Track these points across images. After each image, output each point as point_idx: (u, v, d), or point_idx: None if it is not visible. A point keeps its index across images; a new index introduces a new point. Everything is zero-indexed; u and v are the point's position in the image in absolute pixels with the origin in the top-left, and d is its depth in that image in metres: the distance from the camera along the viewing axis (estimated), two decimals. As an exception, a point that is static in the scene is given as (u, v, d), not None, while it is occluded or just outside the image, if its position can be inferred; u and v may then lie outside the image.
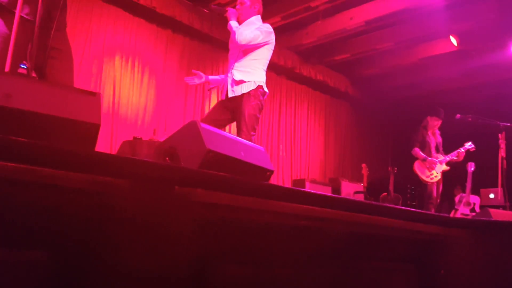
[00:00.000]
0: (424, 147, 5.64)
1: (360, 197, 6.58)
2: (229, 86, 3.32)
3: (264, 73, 3.37)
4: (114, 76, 5.87)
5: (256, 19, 3.44)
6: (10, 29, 2.06)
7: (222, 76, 3.60)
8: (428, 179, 5.51)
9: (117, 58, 5.93)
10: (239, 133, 3.18)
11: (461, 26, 6.29)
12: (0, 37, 2.12)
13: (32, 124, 1.24)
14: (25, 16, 2.08)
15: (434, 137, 5.73)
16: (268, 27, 3.37)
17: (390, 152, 8.79)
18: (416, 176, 5.57)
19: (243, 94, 3.24)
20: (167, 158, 1.83)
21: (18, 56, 2.09)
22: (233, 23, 3.33)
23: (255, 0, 3.45)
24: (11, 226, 0.89)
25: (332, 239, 1.54)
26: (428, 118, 5.73)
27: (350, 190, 6.80)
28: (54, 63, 2.24)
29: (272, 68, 7.67)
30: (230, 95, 3.30)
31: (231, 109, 3.33)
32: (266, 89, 3.35)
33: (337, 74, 8.38)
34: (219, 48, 7.01)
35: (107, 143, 5.62)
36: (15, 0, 2.04)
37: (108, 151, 5.49)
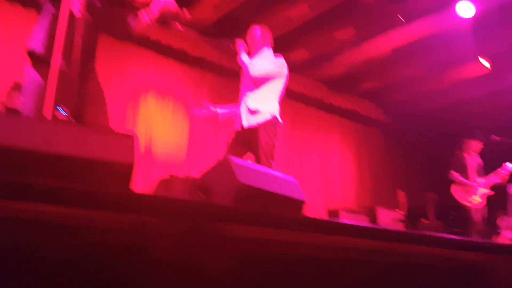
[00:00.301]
0: (463, 170, 5.47)
1: (399, 226, 6.37)
2: (243, 116, 3.32)
3: (277, 104, 3.37)
4: (148, 116, 6.06)
5: (268, 51, 3.47)
6: (45, 79, 2.18)
7: (232, 107, 3.61)
8: (468, 204, 5.31)
9: (150, 98, 6.14)
10: (257, 163, 3.15)
11: (490, 48, 6.19)
12: (39, 87, 2.25)
13: (71, 167, 1.30)
14: (60, 66, 2.20)
15: (473, 160, 5.56)
16: (281, 60, 3.41)
17: (428, 178, 8.53)
18: (456, 200, 5.38)
19: (258, 124, 3.23)
20: (201, 194, 1.86)
21: (56, 104, 2.21)
22: (244, 57, 3.35)
23: (265, 32, 3.49)
24: (51, 269, 0.92)
25: (370, 271, 1.50)
26: (467, 141, 5.59)
27: (388, 218, 6.60)
28: (90, 109, 2.35)
29: (301, 99, 7.72)
30: (245, 125, 3.29)
31: (247, 141, 3.29)
32: (280, 119, 3.34)
33: (366, 102, 8.34)
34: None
35: (144, 183, 5.73)
36: (50, 51, 2.18)
37: (145, 191, 5.60)
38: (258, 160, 3.16)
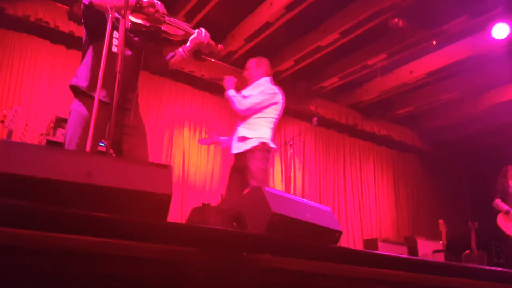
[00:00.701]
0: (507, 198, 5.24)
1: (440, 257, 6.11)
2: (233, 143, 3.44)
3: (269, 131, 3.43)
4: (183, 146, 6.19)
5: (265, 81, 3.56)
6: (89, 111, 2.28)
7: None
8: (513, 234, 5.05)
9: (186, 129, 6.29)
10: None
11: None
12: (83, 119, 2.35)
13: (110, 198, 1.34)
14: (103, 99, 2.30)
15: (518, 186, 5.32)
16: (273, 89, 3.49)
17: (469, 206, 8.20)
18: (501, 230, 5.14)
19: (246, 151, 3.30)
20: (235, 224, 1.86)
21: (98, 134, 2.30)
22: (230, 92, 3.49)
23: (260, 63, 3.59)
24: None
25: (410, 304, 1.45)
26: (510, 167, 5.38)
27: (428, 249, 6.35)
28: (129, 139, 2.43)
29: (334, 126, 7.68)
30: (233, 151, 3.41)
31: (239, 169, 3.36)
32: (272, 145, 3.39)
33: (401, 127, 8.20)
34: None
35: (178, 210, 5.80)
36: (94, 85, 2.28)
37: (179, 218, 5.66)
38: (248, 186, 3.18)
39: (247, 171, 3.25)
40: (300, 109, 7.09)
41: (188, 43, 2.64)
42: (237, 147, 3.40)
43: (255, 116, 3.42)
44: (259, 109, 3.41)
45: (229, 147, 3.65)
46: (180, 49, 2.67)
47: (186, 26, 2.63)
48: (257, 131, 3.37)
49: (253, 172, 3.23)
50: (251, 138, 3.34)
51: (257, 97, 3.41)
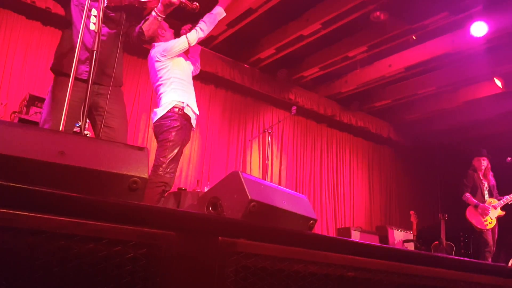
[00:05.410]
0: (476, 191, 5.39)
1: (410, 246, 6.27)
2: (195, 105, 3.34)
3: None
4: (159, 130, 6.11)
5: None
6: (62, 91, 2.21)
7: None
8: (481, 226, 5.22)
9: (163, 113, 6.20)
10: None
11: (504, 68, 6.15)
12: (56, 99, 2.29)
13: (83, 179, 1.31)
14: (78, 76, 2.23)
15: (486, 180, 5.48)
16: None
17: (440, 198, 8.43)
18: (470, 222, 5.30)
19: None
20: (211, 209, 1.86)
21: (72, 114, 2.24)
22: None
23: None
24: (63, 279, 0.92)
25: (380, 291, 1.48)
26: (474, 160, 5.55)
27: (399, 238, 6.51)
28: (106, 115, 2.38)
29: (312, 116, 7.73)
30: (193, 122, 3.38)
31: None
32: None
33: (378, 120, 8.32)
34: (260, 100, 7.20)
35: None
36: (65, 63, 2.22)
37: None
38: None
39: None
40: (280, 97, 7.10)
41: (159, 5, 2.60)
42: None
43: None
44: None
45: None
46: (153, 12, 2.63)
47: None
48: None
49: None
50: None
51: None
